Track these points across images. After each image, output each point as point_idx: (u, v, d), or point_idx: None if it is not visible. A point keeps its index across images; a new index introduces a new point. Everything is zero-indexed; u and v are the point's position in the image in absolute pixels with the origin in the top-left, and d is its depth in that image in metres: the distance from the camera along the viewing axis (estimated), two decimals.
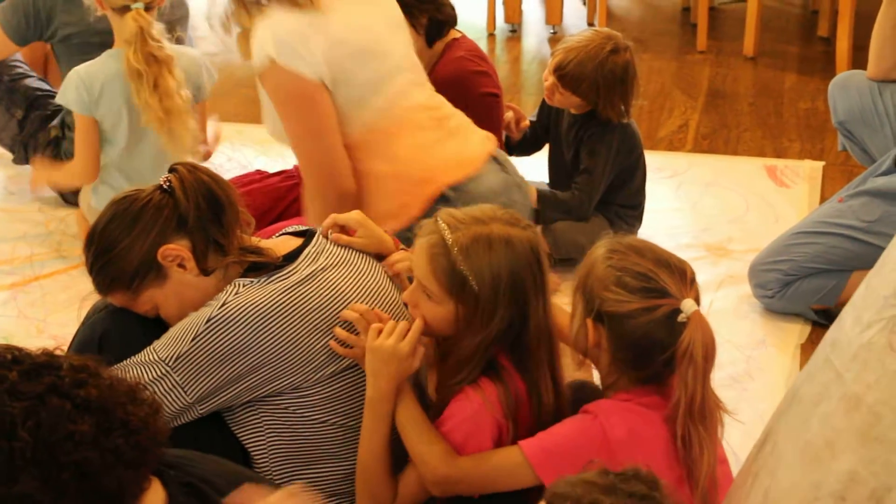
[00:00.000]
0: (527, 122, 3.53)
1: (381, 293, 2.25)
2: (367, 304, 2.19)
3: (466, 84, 3.25)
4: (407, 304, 2.20)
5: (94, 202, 3.36)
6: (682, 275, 2.02)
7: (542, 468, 1.99)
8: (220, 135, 3.68)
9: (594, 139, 3.38)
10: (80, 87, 3.26)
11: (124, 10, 3.22)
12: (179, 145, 3.28)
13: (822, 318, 3.15)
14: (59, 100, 3.32)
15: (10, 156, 3.83)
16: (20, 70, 3.74)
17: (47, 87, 3.76)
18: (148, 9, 3.24)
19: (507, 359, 2.13)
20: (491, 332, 2.07)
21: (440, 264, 2.08)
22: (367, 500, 2.15)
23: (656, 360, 1.99)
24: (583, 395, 2.19)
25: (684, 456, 1.98)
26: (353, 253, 2.29)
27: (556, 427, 2.05)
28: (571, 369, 2.23)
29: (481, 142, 2.98)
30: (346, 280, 2.22)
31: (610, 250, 2.04)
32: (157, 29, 3.26)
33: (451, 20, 3.43)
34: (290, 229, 2.36)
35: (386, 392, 2.10)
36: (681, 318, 1.96)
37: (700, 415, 1.98)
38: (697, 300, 2.00)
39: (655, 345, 1.98)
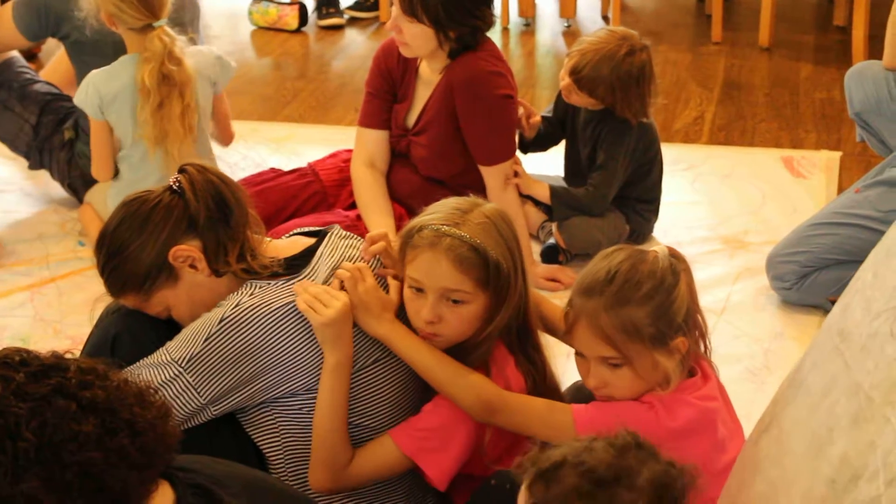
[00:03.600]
0: (538, 118, 3.48)
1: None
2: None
3: (482, 85, 3.16)
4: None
5: (111, 203, 3.36)
6: None
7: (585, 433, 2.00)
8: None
9: (611, 137, 3.35)
10: (92, 92, 3.28)
11: (147, 28, 3.22)
12: (171, 168, 3.26)
13: None
14: (76, 100, 3.35)
15: (25, 160, 3.82)
16: (28, 76, 3.74)
17: (57, 91, 3.75)
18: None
19: (504, 343, 2.18)
20: (511, 307, 2.13)
21: (469, 260, 2.09)
22: (322, 466, 2.14)
23: None
24: (581, 396, 2.20)
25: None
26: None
27: (611, 403, 2.06)
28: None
29: None
30: None
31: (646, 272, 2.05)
32: (180, 46, 3.25)
33: (489, 25, 3.19)
34: (302, 230, 2.35)
35: (349, 354, 2.12)
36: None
37: None
38: None
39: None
